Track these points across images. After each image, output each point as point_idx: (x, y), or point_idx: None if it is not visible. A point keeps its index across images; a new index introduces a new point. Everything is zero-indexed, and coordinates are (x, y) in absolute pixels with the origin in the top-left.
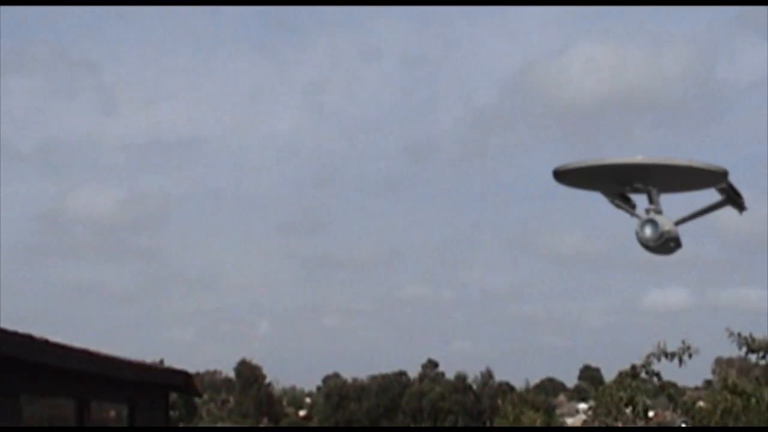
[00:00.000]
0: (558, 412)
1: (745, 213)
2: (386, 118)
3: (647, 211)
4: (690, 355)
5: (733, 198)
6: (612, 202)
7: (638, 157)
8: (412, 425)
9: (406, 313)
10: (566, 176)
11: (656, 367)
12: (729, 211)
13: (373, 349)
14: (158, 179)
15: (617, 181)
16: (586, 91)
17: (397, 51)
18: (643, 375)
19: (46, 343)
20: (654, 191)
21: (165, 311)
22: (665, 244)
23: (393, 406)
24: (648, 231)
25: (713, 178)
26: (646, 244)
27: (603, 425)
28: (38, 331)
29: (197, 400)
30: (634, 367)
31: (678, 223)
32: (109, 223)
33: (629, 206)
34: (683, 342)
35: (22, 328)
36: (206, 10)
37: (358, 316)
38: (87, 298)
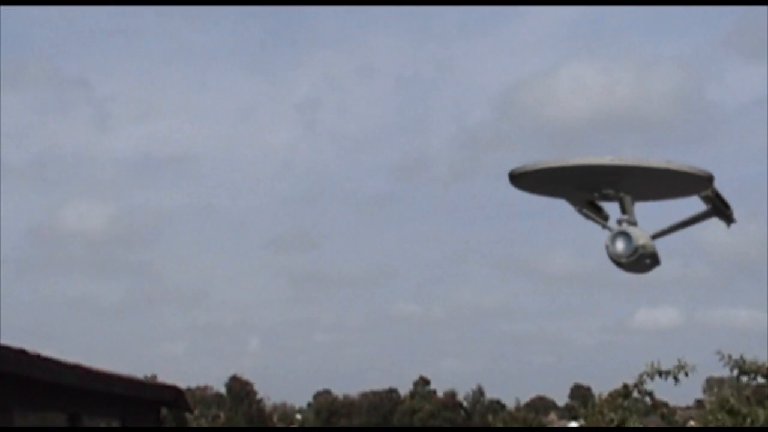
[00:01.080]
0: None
1: (733, 231)
2: (379, 136)
3: (619, 222)
4: (686, 374)
5: (719, 208)
6: (579, 211)
7: (607, 158)
8: None
9: (397, 330)
10: (524, 180)
11: (649, 386)
12: (716, 229)
13: (363, 366)
14: (151, 194)
15: (584, 187)
16: (575, 111)
17: (390, 69)
18: (635, 394)
19: (38, 358)
20: (627, 199)
21: (156, 326)
22: (640, 260)
23: (384, 423)
24: (620, 245)
25: (696, 183)
26: (617, 260)
27: None
28: (30, 346)
29: (188, 415)
30: (626, 386)
31: (656, 236)
32: (101, 237)
33: (600, 216)
34: (678, 360)
35: (14, 343)
36: (200, 26)
37: (349, 332)
38: (79, 313)
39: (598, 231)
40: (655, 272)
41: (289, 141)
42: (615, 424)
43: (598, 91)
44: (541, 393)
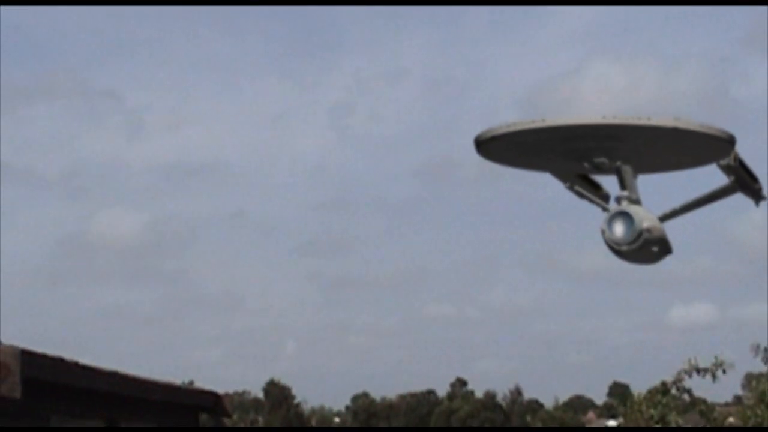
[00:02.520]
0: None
1: (766, 225)
2: (409, 139)
3: (618, 200)
4: (723, 371)
5: (745, 181)
6: (570, 188)
7: (596, 117)
8: None
9: (431, 332)
10: (494, 147)
11: (687, 383)
12: (746, 225)
13: (400, 368)
14: (183, 202)
15: (570, 155)
16: (600, 110)
17: (420, 71)
18: (674, 391)
19: (76, 366)
20: (627, 170)
21: (192, 333)
22: (644, 247)
23: (422, 424)
24: (618, 229)
25: (714, 148)
26: (616, 248)
27: None
28: (67, 354)
29: (226, 420)
30: (664, 384)
31: (665, 218)
32: (134, 246)
33: (597, 195)
34: (716, 357)
35: (49, 351)
36: (230, 33)
37: (383, 335)
38: (114, 321)
39: None
40: (687, 268)
41: (321, 146)
42: (655, 420)
43: (622, 90)
44: (579, 392)
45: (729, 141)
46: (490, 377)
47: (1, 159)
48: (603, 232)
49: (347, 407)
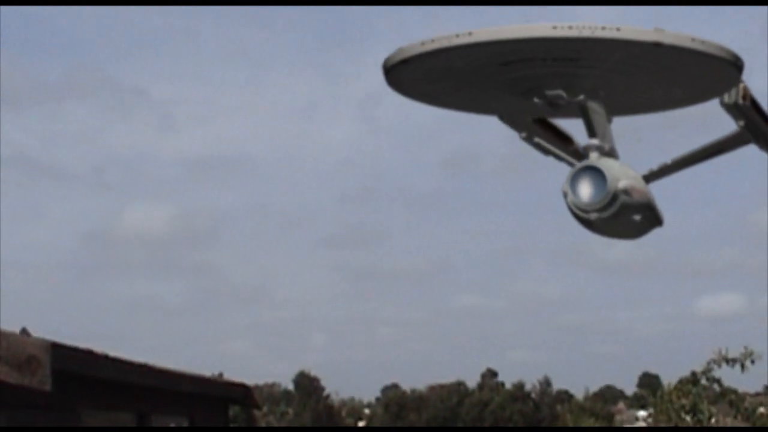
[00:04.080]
0: (617, 419)
1: None
2: (436, 130)
3: (585, 150)
4: (752, 361)
5: (756, 126)
6: (527, 140)
7: (542, 27)
8: None
9: (460, 323)
10: (408, 76)
11: (717, 373)
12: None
13: (429, 359)
14: (210, 194)
15: (516, 87)
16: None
17: None
18: (703, 381)
19: (105, 358)
20: (595, 110)
21: (220, 325)
22: (622, 215)
23: (452, 416)
24: (585, 190)
25: (714, 75)
26: (582, 216)
27: None
28: (96, 347)
29: (256, 412)
30: (694, 374)
31: (652, 176)
32: (162, 238)
33: (565, 149)
34: (745, 348)
35: (79, 344)
36: (258, 26)
37: (412, 326)
38: (142, 314)
39: None
40: (715, 258)
41: (349, 138)
42: (686, 410)
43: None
44: (609, 382)
45: (734, 64)
46: (520, 368)
47: (30, 154)
48: (565, 194)
49: (377, 399)
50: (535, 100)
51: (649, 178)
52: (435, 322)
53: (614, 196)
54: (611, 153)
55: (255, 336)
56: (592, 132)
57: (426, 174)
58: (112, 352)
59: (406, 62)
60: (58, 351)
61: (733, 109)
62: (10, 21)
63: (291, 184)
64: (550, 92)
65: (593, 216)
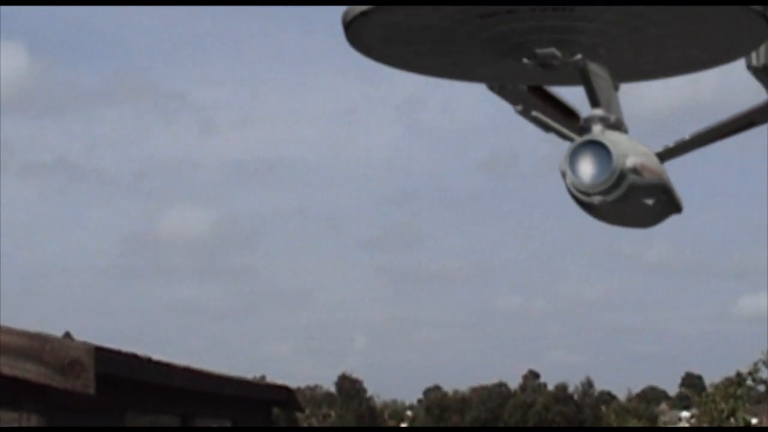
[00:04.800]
0: (661, 420)
1: None
2: (476, 133)
3: (586, 123)
4: None
5: None
6: (523, 114)
7: None
8: None
9: (501, 324)
10: (370, 33)
11: (763, 373)
12: None
13: (471, 360)
14: (252, 198)
15: (499, 47)
16: (659, 104)
17: None
18: (749, 382)
19: (149, 362)
20: (597, 73)
21: (262, 328)
22: (630, 198)
23: (494, 418)
24: (586, 168)
25: (738, 31)
26: (583, 199)
27: None
28: (138, 350)
29: (299, 415)
30: (739, 375)
31: (667, 154)
32: (202, 242)
33: (569, 124)
34: None
35: (122, 348)
36: (300, 29)
37: (453, 328)
38: (184, 317)
39: (695, 219)
40: (756, 258)
41: (389, 141)
42: (725, 415)
43: (681, 83)
44: (652, 383)
45: (764, 15)
46: (561, 369)
47: (71, 159)
48: (563, 174)
49: (419, 401)
50: (525, 61)
51: (665, 156)
52: (476, 324)
53: (621, 176)
54: (618, 125)
55: (297, 339)
56: (594, 100)
57: (466, 175)
58: (155, 356)
59: (366, 15)
60: (102, 355)
61: (762, 73)
62: (51, 26)
63: (331, 187)
64: (540, 51)
65: (596, 199)
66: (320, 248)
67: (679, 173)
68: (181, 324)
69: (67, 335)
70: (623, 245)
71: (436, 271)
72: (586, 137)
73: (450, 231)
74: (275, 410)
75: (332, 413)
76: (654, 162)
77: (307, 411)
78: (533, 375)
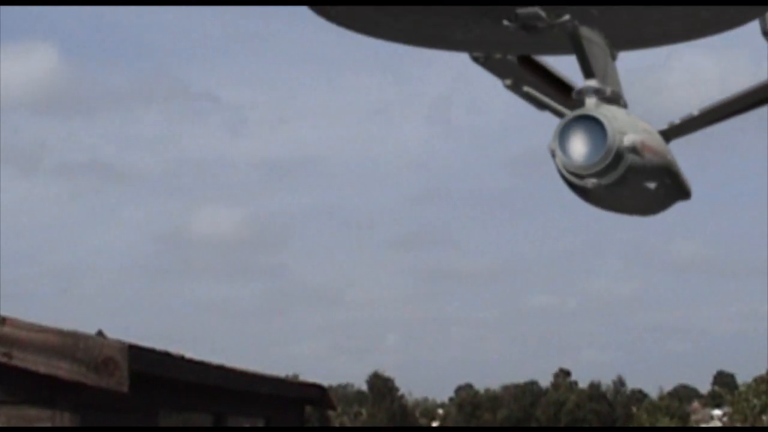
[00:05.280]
0: (693, 418)
1: None
2: (507, 130)
3: (579, 95)
4: None
5: None
6: (511, 88)
7: None
8: None
9: (532, 322)
10: (345, 8)
11: None
12: None
13: (502, 359)
14: (283, 197)
15: (480, 6)
16: (689, 100)
17: None
18: None
19: (182, 360)
20: (592, 39)
21: (293, 326)
22: (629, 180)
23: (525, 416)
24: (578, 146)
25: None
26: (576, 181)
27: None
28: (171, 348)
29: (331, 413)
30: None
31: (673, 132)
32: (233, 241)
33: (564, 101)
34: None
35: (154, 346)
36: (330, 28)
37: (485, 326)
38: (216, 316)
39: (726, 216)
40: None
41: (420, 139)
42: (757, 411)
43: (713, 79)
44: (684, 381)
45: None
46: (592, 367)
47: (104, 160)
48: (553, 153)
49: (450, 399)
50: (505, 23)
51: (670, 134)
52: (507, 322)
53: (618, 156)
54: (615, 99)
55: (328, 337)
56: (587, 70)
57: (496, 174)
58: (188, 354)
59: None
60: (135, 353)
61: None
62: (82, 28)
63: (362, 185)
64: (522, 10)
65: (590, 182)
66: (351, 247)
67: (709, 170)
68: (213, 322)
69: (100, 333)
70: (655, 243)
71: (466, 270)
72: (578, 112)
73: (481, 229)
74: (308, 409)
75: (363, 411)
76: (656, 140)
77: (339, 409)
78: (564, 373)
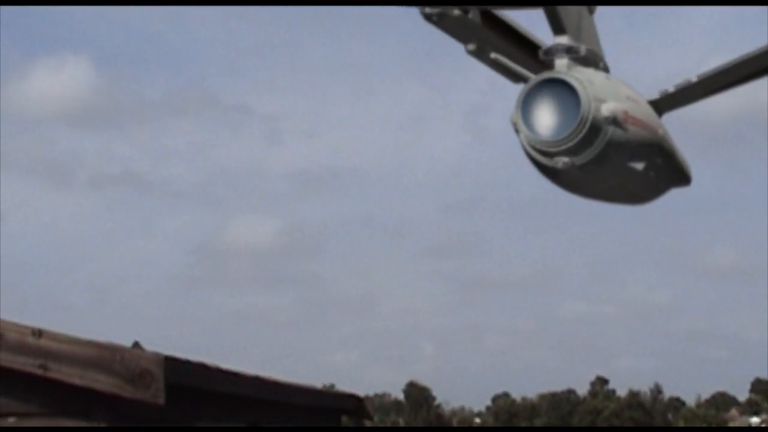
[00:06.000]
0: (730, 426)
1: None
2: None
3: (547, 55)
4: None
5: None
6: (475, 54)
7: None
8: None
9: (568, 330)
10: None
11: None
12: None
13: (538, 367)
14: (317, 206)
15: None
16: (720, 108)
17: None
18: None
19: (218, 371)
20: None
21: (329, 336)
22: (608, 158)
23: (563, 424)
24: (544, 117)
25: None
26: (542, 160)
27: None
28: (206, 359)
29: (367, 423)
30: None
31: (667, 103)
32: (269, 251)
33: (534, 66)
34: None
35: (189, 357)
36: (365, 37)
37: (520, 334)
38: (251, 326)
39: (764, 223)
40: None
41: (455, 148)
42: None
43: (744, 87)
44: (721, 389)
45: None
46: (629, 375)
47: (137, 171)
48: (515, 126)
49: (488, 408)
50: None
51: (663, 104)
52: (543, 330)
53: (594, 128)
54: (592, 59)
55: (364, 346)
56: (557, 25)
57: (530, 182)
58: (223, 365)
59: None
60: (172, 364)
61: None
62: (116, 40)
63: (397, 194)
64: None
65: (561, 162)
66: (386, 256)
67: (746, 175)
68: (248, 332)
69: (136, 345)
70: (687, 251)
71: (502, 278)
72: (545, 75)
73: (516, 237)
74: (344, 419)
75: (401, 421)
76: (644, 111)
77: (376, 419)
78: (601, 381)
